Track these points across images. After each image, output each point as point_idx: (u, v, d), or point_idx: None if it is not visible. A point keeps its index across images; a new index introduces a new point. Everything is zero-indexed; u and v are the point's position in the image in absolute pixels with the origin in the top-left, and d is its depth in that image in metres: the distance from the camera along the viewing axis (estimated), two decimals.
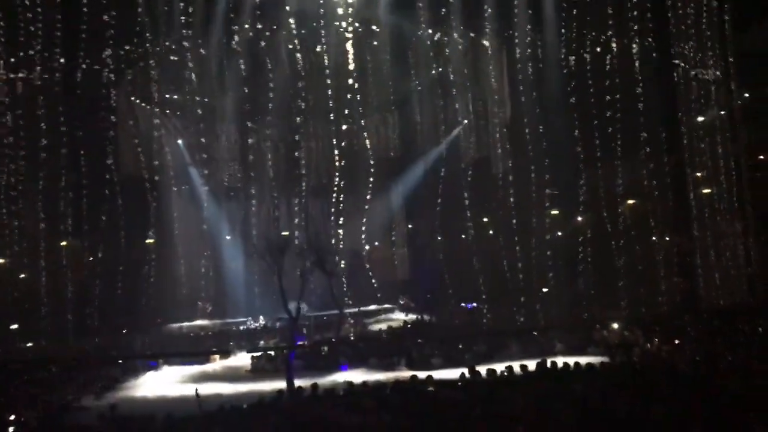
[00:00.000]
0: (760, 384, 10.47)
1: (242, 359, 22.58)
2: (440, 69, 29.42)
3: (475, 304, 29.00)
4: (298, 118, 28.80)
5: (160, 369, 21.86)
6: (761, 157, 25.06)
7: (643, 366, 15.48)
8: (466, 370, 15.56)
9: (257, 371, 21.20)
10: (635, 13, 24.47)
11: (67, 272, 25.49)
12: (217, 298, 31.45)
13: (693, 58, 23.84)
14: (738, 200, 23.41)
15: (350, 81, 27.05)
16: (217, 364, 22.74)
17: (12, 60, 23.99)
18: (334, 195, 28.39)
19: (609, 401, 10.21)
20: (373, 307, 30.29)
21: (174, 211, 30.00)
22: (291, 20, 26.13)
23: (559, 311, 25.33)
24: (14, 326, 24.27)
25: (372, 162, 29.46)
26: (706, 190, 24.35)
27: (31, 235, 24.83)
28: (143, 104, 29.10)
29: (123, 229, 26.35)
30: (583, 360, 15.89)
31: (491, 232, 30.09)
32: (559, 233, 27.41)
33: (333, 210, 28.72)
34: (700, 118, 24.39)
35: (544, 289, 26.86)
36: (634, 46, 24.44)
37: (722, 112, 24.04)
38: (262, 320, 29.06)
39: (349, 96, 27.35)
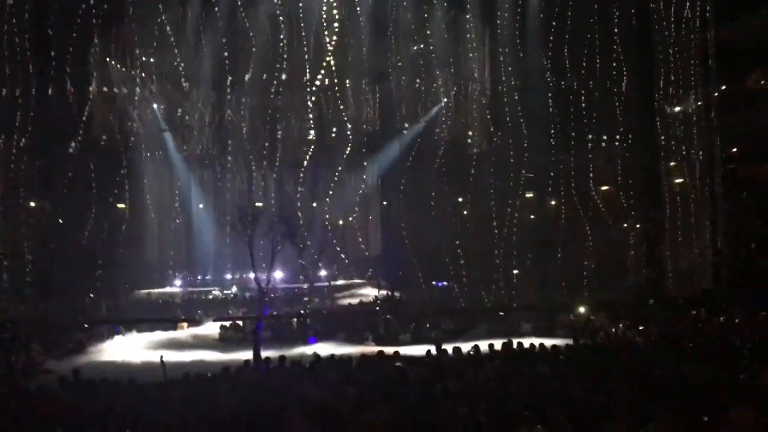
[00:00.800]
0: (718, 368, 10.68)
1: (210, 328, 22.53)
2: (422, 46, 29.22)
3: (445, 283, 29.18)
4: (275, 89, 28.45)
5: (125, 334, 21.70)
6: (734, 149, 25.36)
7: (607, 349, 15.71)
8: (433, 348, 15.67)
9: (225, 341, 21.18)
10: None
11: (33, 234, 25.06)
12: (188, 265, 31.25)
13: (672, 48, 23.94)
14: (710, 191, 23.73)
15: (330, 52, 26.80)
16: (184, 332, 22.66)
17: None
18: (309, 167, 28.25)
19: (570, 382, 10.34)
20: (343, 281, 30.31)
21: (147, 176, 29.59)
22: None
23: (528, 293, 25.61)
24: None
25: (349, 136, 29.29)
26: (678, 180, 24.62)
27: None
28: (118, 65, 28.51)
29: (93, 192, 25.93)
30: (549, 342, 16.08)
31: (465, 212, 30.21)
32: (532, 216, 27.61)
33: (306, 183, 28.58)
34: (677, 108, 24.59)
35: (515, 271, 27.11)
36: (614, 33, 24.46)
37: (699, 103, 24.24)
38: (234, 289, 28.96)
39: (328, 68, 27.11)
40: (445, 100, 29.99)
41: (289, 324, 22.30)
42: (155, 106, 30.13)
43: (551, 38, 25.42)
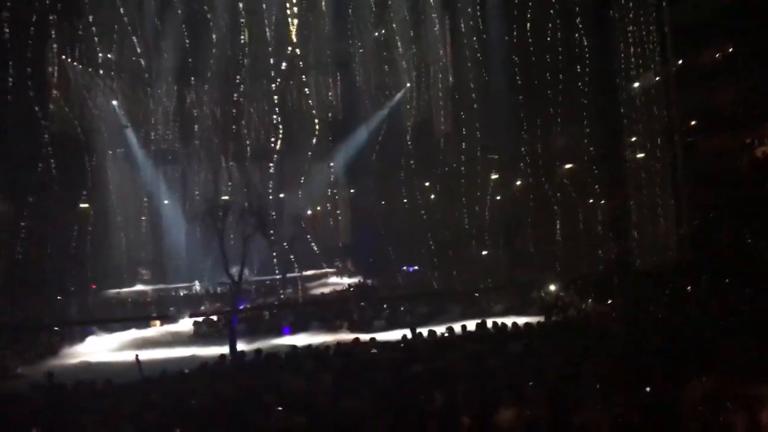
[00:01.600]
0: (679, 340, 11.01)
1: (184, 324, 22.40)
2: (384, 31, 29.21)
3: (416, 267, 29.42)
4: (238, 79, 28.23)
5: (98, 335, 21.47)
6: (693, 122, 25.85)
7: (577, 325, 16.02)
8: (408, 332, 15.81)
9: (199, 336, 21.09)
10: None
11: None
12: (157, 262, 30.98)
13: (630, 26, 24.28)
14: (671, 164, 24.18)
15: (292, 41, 26.67)
16: (158, 329, 22.49)
17: None
18: (275, 158, 28.16)
19: (542, 359, 10.57)
20: (315, 271, 30.35)
21: (110, 173, 29.19)
22: None
23: (499, 273, 25.92)
24: None
25: (315, 124, 29.25)
26: (640, 155, 25.05)
27: None
28: (76, 63, 27.98)
29: (56, 192, 25.48)
30: (521, 320, 16.34)
31: (432, 196, 30.41)
32: (499, 197, 27.90)
33: (274, 173, 28.50)
34: (636, 84, 24.96)
35: (484, 252, 27.40)
36: (574, 13, 24.71)
37: (657, 78, 24.64)
38: (197, 285, 28.78)
39: (290, 57, 27.00)
40: (409, 84, 30.08)
41: (263, 316, 22.26)
42: (115, 102, 29.67)
43: (513, 18, 25.57)
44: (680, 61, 24.55)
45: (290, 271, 28.11)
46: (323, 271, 30.82)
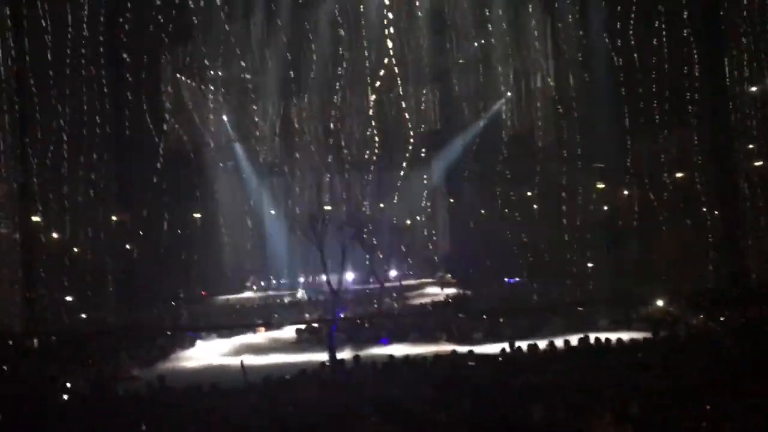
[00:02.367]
0: None
1: (287, 331, 22.94)
2: (482, 41, 29.03)
3: (517, 279, 28.91)
4: (338, 92, 28.84)
5: (206, 340, 22.34)
6: None
7: (687, 341, 15.27)
8: (507, 345, 15.57)
9: (301, 343, 21.54)
10: None
11: (116, 246, 26.22)
12: (263, 271, 32.00)
13: (744, 26, 23.02)
14: None
15: (390, 53, 26.99)
16: (262, 336, 23.14)
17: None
18: (373, 169, 28.50)
19: (647, 376, 10.15)
20: (413, 281, 30.37)
21: (219, 186, 30.49)
22: None
23: (604, 286, 25.08)
24: (69, 298, 25.18)
25: (412, 135, 29.40)
26: (757, 163, 23.66)
27: (82, 210, 25.57)
28: (188, 80, 29.48)
29: (170, 203, 26.94)
30: (626, 336, 15.75)
31: (535, 206, 29.84)
32: (605, 207, 27.05)
33: (373, 184, 28.84)
34: (752, 88, 23.62)
35: (589, 264, 26.62)
36: (682, 15, 23.70)
37: None
38: (301, 293, 29.42)
39: (389, 69, 27.32)
40: (509, 93, 29.71)
41: (363, 325, 22.49)
42: (224, 117, 31.00)
43: (617, 22, 24.84)
44: None
45: (389, 280, 28.27)
46: (422, 281, 30.80)
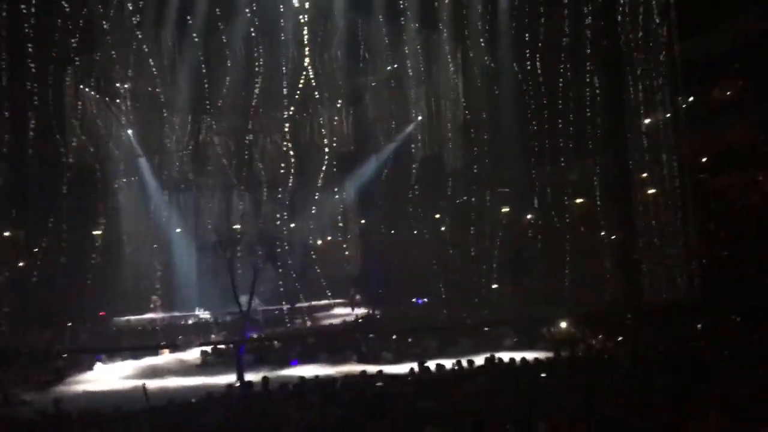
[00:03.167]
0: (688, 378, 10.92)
1: (191, 353, 22.33)
2: (395, 65, 29.57)
3: (425, 300, 29.34)
4: (251, 111, 28.58)
5: (106, 363, 21.44)
6: (704, 159, 25.87)
7: (586, 361, 15.90)
8: (416, 365, 15.74)
9: (206, 365, 21.01)
10: (586, 14, 25.04)
11: (8, 263, 24.79)
12: (167, 291, 31.06)
13: (640, 63, 24.47)
14: (681, 201, 24.15)
15: (305, 74, 27.03)
16: (166, 358, 22.43)
17: None
18: (287, 189, 28.34)
19: (552, 395, 10.50)
20: (323, 301, 30.29)
21: (122, 202, 29.47)
22: (247, 11, 25.96)
23: (508, 308, 25.78)
24: None
25: (325, 156, 29.48)
26: (650, 191, 25.06)
27: None
28: (92, 92, 28.45)
29: (69, 219, 25.70)
30: (530, 355, 16.24)
31: (443, 228, 30.46)
32: (509, 231, 27.88)
33: (285, 204, 28.65)
34: (647, 121, 25.06)
35: (494, 286, 27.32)
36: (585, 49, 24.96)
37: (667, 115, 24.73)
38: (202, 313, 28.74)
39: (303, 89, 27.36)
40: (420, 117, 30.35)
41: (271, 346, 22.19)
42: (129, 131, 30.07)
43: (524, 52, 25.86)
44: (691, 98, 24.65)
45: (298, 301, 28.06)
46: (332, 301, 30.76)
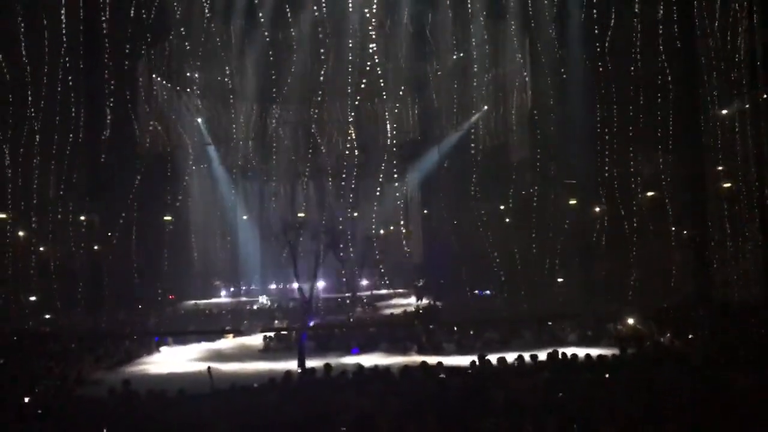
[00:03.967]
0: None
1: (255, 338, 22.74)
2: (461, 54, 29.26)
3: (488, 292, 29.04)
4: (316, 100, 28.84)
5: (172, 346, 22.04)
6: None
7: (654, 359, 15.40)
8: (476, 358, 15.58)
9: (268, 351, 21.36)
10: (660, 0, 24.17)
11: (84, 246, 25.76)
12: (233, 276, 31.77)
13: (717, 52, 23.47)
14: (758, 195, 23.12)
15: (370, 63, 27.07)
16: (229, 342, 22.91)
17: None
18: (351, 178, 28.49)
19: (616, 394, 10.21)
20: (385, 291, 30.37)
21: (192, 189, 30.24)
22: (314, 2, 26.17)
23: (573, 302, 25.26)
24: (32, 298, 24.70)
25: (389, 145, 29.49)
26: (726, 185, 24.08)
27: (49, 208, 25.10)
28: (164, 81, 29.24)
29: (141, 205, 26.55)
30: (594, 352, 15.84)
31: (507, 219, 30.03)
32: (576, 223, 27.27)
33: (349, 193, 28.83)
34: (723, 112, 24.05)
35: (559, 279, 26.79)
36: (658, 38, 24.07)
37: (746, 106, 23.69)
38: (263, 299, 29.21)
39: (369, 78, 27.41)
40: (485, 107, 29.96)
41: (333, 334, 22.37)
42: (199, 120, 30.81)
43: (595, 44, 25.16)
44: None
45: (361, 290, 28.23)
46: (394, 291, 30.81)
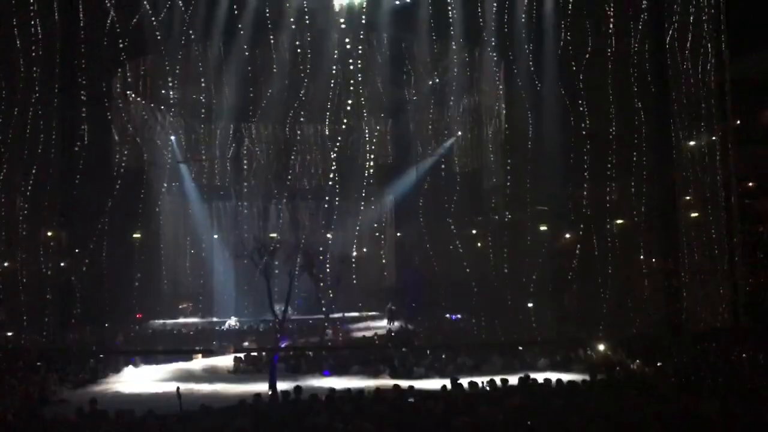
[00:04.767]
0: (739, 409, 10.56)
1: (225, 359, 22.47)
2: (437, 80, 29.57)
3: (459, 316, 29.09)
4: (292, 120, 28.90)
5: (138, 366, 21.66)
6: (750, 183, 25.27)
7: (623, 386, 15.52)
8: (448, 382, 15.58)
9: (238, 372, 21.12)
10: (632, 33, 24.67)
11: (49, 263, 25.23)
12: (204, 296, 31.41)
13: (687, 84, 24.03)
14: (726, 225, 23.57)
15: (348, 86, 27.22)
16: (199, 363, 22.59)
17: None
18: (326, 199, 28.51)
19: (586, 419, 10.27)
20: (357, 313, 30.26)
21: (163, 207, 29.94)
22: (292, 23, 26.25)
23: (544, 328, 25.38)
24: None
25: (366, 167, 29.58)
26: (693, 214, 24.52)
27: (13, 224, 24.55)
28: (137, 98, 29.05)
29: (110, 222, 26.10)
30: (565, 377, 15.94)
31: (479, 244, 30.20)
32: (546, 249, 27.48)
33: (323, 214, 28.81)
34: (692, 143, 24.57)
35: (530, 304, 26.91)
36: (630, 68, 24.58)
37: (713, 138, 24.23)
38: (232, 321, 28.91)
39: (345, 101, 27.56)
40: (460, 132, 30.26)
41: (305, 356, 22.19)
42: (172, 138, 30.64)
43: (568, 70, 25.57)
44: (738, 121, 24.12)
45: (333, 312, 28.06)
46: (366, 313, 30.70)
